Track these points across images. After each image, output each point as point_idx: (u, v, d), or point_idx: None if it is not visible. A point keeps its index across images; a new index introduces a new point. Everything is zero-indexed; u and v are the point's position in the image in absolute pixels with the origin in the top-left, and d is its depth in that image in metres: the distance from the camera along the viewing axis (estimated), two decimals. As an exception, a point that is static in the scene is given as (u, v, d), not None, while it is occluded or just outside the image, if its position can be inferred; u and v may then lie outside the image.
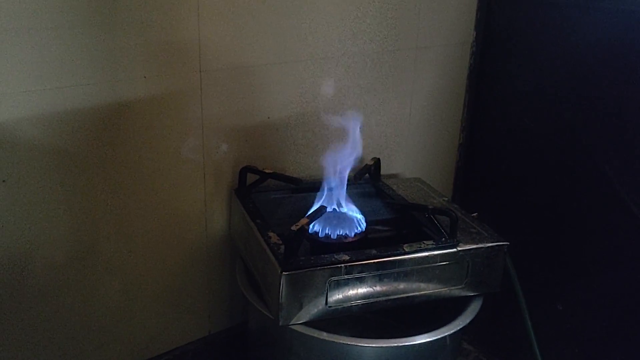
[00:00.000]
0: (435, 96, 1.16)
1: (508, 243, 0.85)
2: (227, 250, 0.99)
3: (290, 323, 0.76)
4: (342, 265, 0.75)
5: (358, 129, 0.89)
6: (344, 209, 0.88)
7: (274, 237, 0.80)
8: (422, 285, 0.81)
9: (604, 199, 0.99)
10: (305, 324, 0.77)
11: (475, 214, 0.93)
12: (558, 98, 1.04)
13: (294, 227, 0.75)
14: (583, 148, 1.01)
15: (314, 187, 0.91)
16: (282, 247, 0.77)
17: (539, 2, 1.05)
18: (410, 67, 1.10)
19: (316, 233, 0.83)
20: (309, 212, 0.83)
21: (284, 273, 0.73)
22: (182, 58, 0.85)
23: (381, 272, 0.78)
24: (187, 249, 0.95)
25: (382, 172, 1.05)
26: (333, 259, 0.76)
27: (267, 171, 0.93)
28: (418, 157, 1.18)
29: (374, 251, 0.79)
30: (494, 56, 1.16)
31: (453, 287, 0.83)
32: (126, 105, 0.83)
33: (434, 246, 0.81)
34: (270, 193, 0.96)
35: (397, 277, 0.80)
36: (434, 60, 1.13)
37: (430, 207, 0.85)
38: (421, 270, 0.80)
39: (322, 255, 0.77)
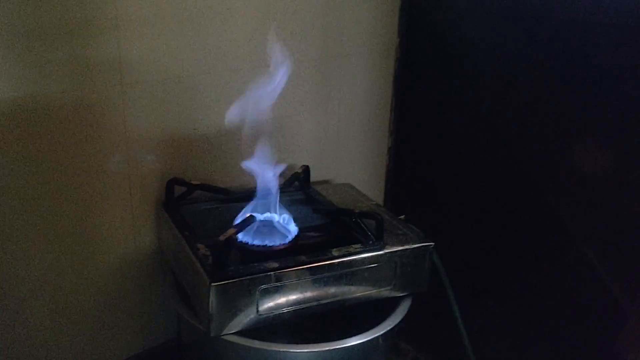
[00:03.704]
0: (363, 102, 1.18)
1: (433, 243, 0.87)
2: (158, 265, 0.97)
3: (222, 334, 0.76)
4: (272, 273, 0.76)
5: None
6: (274, 217, 0.88)
7: (202, 249, 0.80)
8: (352, 288, 0.83)
9: (525, 195, 1.03)
10: (237, 333, 0.76)
11: (402, 216, 0.95)
12: (480, 101, 1.08)
13: (221, 237, 0.75)
14: (505, 148, 1.04)
15: (244, 196, 0.91)
16: (211, 257, 0.77)
17: (459, 8, 1.08)
18: (336, 75, 1.11)
19: (246, 242, 0.83)
20: (237, 222, 0.83)
21: (212, 284, 0.73)
22: (101, 72, 0.84)
23: (311, 278, 0.79)
24: (116, 264, 0.94)
25: (313, 179, 1.06)
26: (262, 267, 0.76)
27: (194, 183, 0.92)
28: (349, 163, 1.19)
29: (303, 257, 0.79)
30: (418, 62, 1.18)
31: (382, 289, 0.85)
32: (44, 120, 0.81)
33: (361, 249, 0.82)
34: (199, 204, 0.96)
35: (327, 282, 0.81)
36: (359, 67, 1.14)
37: (357, 211, 0.86)
38: (350, 273, 0.82)
39: (252, 264, 0.77)
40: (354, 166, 1.21)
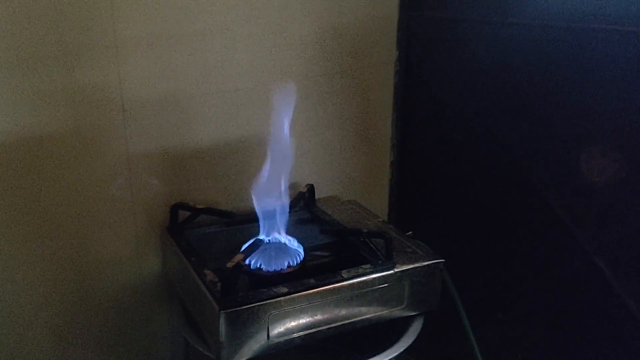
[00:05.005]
0: (364, 117, 1.17)
1: (444, 260, 0.86)
2: (164, 291, 0.96)
3: (233, 362, 0.74)
4: (282, 298, 0.75)
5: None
6: (281, 239, 0.87)
7: (209, 275, 0.79)
8: (363, 309, 0.81)
9: (533, 208, 1.01)
10: (248, 360, 0.75)
11: (410, 233, 0.94)
12: (482, 110, 1.06)
13: (229, 264, 0.74)
14: (510, 159, 1.03)
15: (250, 218, 0.90)
16: (219, 284, 0.76)
17: (456, 19, 1.07)
18: (336, 91, 1.10)
19: (254, 266, 0.81)
20: (244, 247, 0.81)
21: (222, 312, 0.72)
22: (102, 97, 0.84)
23: (321, 301, 0.78)
24: (121, 290, 0.93)
25: (318, 196, 1.05)
26: (272, 293, 0.75)
27: (198, 207, 0.91)
28: (352, 179, 1.18)
29: (312, 280, 0.78)
30: (417, 73, 1.17)
31: (393, 309, 0.84)
32: (47, 147, 0.80)
33: (371, 270, 0.81)
34: (204, 228, 0.95)
35: (338, 304, 0.79)
36: (359, 82, 1.13)
37: (365, 230, 0.85)
38: (361, 294, 0.80)
39: (261, 290, 0.75)
40: (358, 181, 1.20)
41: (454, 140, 1.13)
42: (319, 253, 0.93)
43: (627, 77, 0.85)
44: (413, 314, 0.86)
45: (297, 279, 0.79)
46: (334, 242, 0.94)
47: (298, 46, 1.02)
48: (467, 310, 0.97)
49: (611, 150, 0.90)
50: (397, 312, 0.84)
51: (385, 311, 0.83)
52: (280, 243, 0.87)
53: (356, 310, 0.81)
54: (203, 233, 0.94)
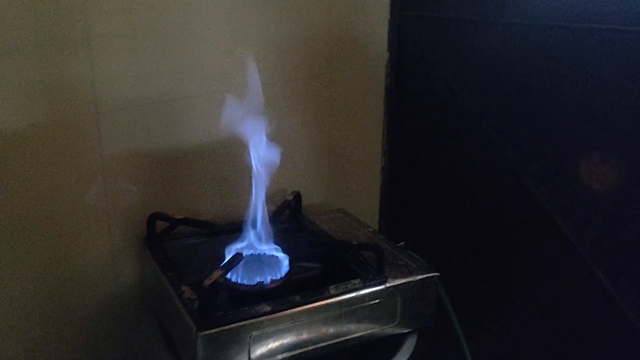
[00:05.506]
0: (354, 120, 1.13)
1: (438, 274, 0.82)
2: (142, 306, 0.91)
3: (211, 386, 0.69)
4: (264, 317, 0.70)
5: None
6: (265, 251, 0.82)
7: (187, 292, 0.73)
8: (353, 327, 0.77)
9: (530, 215, 0.98)
10: (228, 384, 0.70)
11: (402, 243, 0.90)
12: (477, 114, 1.03)
13: (206, 282, 0.69)
14: (507, 164, 1.00)
15: (232, 228, 0.86)
16: (197, 302, 0.70)
17: (449, 19, 1.04)
18: (324, 93, 1.06)
19: (235, 281, 0.77)
20: (224, 262, 0.76)
21: (199, 333, 0.67)
22: (73, 95, 0.79)
23: (308, 319, 0.73)
24: (96, 305, 0.89)
25: (305, 204, 1.01)
26: (253, 311, 0.70)
27: (177, 217, 0.87)
28: (341, 185, 1.14)
29: (297, 297, 0.73)
30: (409, 76, 1.15)
31: (385, 326, 0.79)
32: (12, 151, 0.76)
33: (361, 285, 0.76)
34: (184, 239, 0.90)
35: (326, 322, 0.75)
36: (349, 84, 1.10)
37: (354, 243, 0.81)
38: (350, 312, 0.76)
39: (242, 309, 0.70)
40: (347, 188, 1.16)
41: (447, 146, 1.11)
42: (306, 264, 0.89)
43: (629, 79, 0.83)
44: (406, 331, 0.82)
45: (281, 295, 0.74)
46: (320, 255, 0.89)
47: (285, 46, 0.98)
48: (462, 323, 0.94)
49: (611, 156, 0.88)
50: (389, 329, 0.80)
51: (377, 329, 0.79)
52: (264, 255, 0.82)
53: (345, 328, 0.76)
54: (183, 244, 0.89)
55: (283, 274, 0.79)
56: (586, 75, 0.88)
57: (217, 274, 0.70)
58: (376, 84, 1.15)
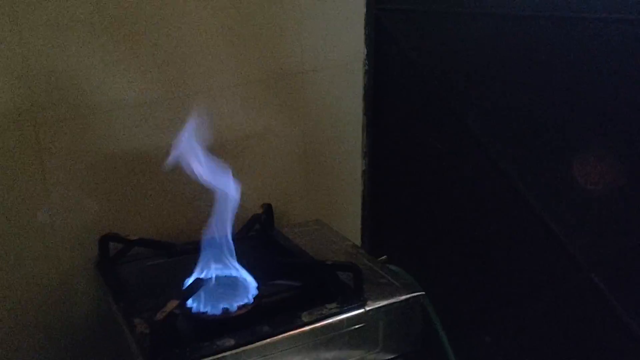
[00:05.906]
0: (331, 122, 1.08)
1: (424, 292, 0.75)
2: (98, 339, 0.85)
3: None
4: (227, 353, 0.62)
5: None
6: (230, 273, 0.75)
7: (140, 326, 0.66)
8: (329, 356, 0.70)
9: (522, 220, 0.95)
10: None
11: (384, 257, 0.84)
12: (463, 112, 0.99)
13: (159, 315, 0.61)
14: (497, 166, 0.96)
15: (194, 248, 0.78)
16: (150, 338, 0.63)
17: (429, 11, 1.01)
18: (298, 94, 1.02)
19: (196, 311, 0.69)
20: (185, 286, 0.69)
21: (150, 375, 0.59)
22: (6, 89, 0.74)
23: (278, 352, 0.66)
24: (46, 340, 0.82)
25: (278, 212, 0.95)
26: (215, 347, 0.62)
27: (131, 238, 0.79)
28: (318, 192, 1.09)
29: (266, 327, 0.66)
30: (389, 73, 1.11)
31: (367, 353, 0.73)
32: None
33: (337, 309, 0.69)
34: (142, 261, 0.83)
35: (300, 353, 0.67)
36: (324, 84, 1.05)
37: (329, 263, 0.74)
38: (326, 340, 0.69)
39: (201, 344, 0.63)
40: (325, 195, 1.11)
41: (432, 146, 1.07)
42: (279, 282, 0.82)
43: (627, 74, 0.79)
44: (390, 357, 0.75)
45: (248, 324, 0.67)
46: (293, 274, 0.83)
47: (251, 44, 0.93)
48: (451, 334, 0.90)
49: (608, 155, 0.85)
50: (370, 356, 0.73)
51: (357, 357, 0.72)
52: (230, 277, 0.75)
53: (321, 358, 0.69)
54: (140, 267, 0.83)
55: (251, 298, 0.72)
56: (577, 68, 0.85)
57: (172, 305, 0.62)
58: (354, 83, 1.11)
